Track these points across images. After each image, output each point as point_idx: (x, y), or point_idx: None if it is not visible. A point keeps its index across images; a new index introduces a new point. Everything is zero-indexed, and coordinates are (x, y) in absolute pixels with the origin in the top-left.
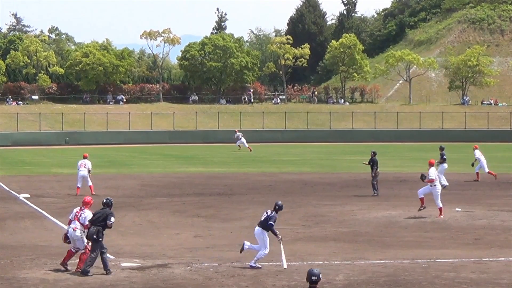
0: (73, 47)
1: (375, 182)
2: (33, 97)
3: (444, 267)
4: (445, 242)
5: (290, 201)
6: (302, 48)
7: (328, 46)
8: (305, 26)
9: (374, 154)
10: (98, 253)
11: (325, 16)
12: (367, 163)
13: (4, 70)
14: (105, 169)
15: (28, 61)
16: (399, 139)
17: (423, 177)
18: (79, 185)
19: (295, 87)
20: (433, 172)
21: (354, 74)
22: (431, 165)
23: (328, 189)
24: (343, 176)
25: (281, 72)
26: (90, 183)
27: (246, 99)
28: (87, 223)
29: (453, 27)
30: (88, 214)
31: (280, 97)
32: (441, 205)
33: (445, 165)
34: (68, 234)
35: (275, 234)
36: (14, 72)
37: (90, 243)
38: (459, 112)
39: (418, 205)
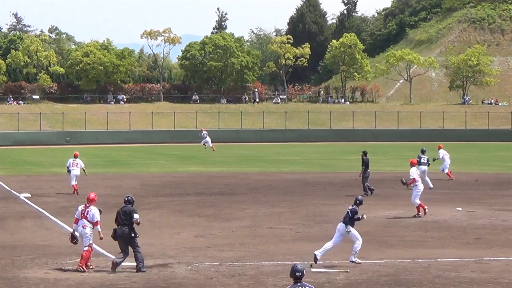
0: (73, 46)
1: (367, 183)
2: (34, 96)
3: (445, 266)
4: (446, 242)
5: (291, 201)
6: (302, 48)
7: (329, 46)
8: (305, 25)
9: (365, 154)
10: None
11: (326, 16)
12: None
13: (4, 70)
14: (106, 169)
15: (29, 60)
16: (400, 138)
17: (403, 182)
18: (73, 183)
19: (296, 87)
20: (413, 172)
21: (355, 73)
22: (412, 165)
23: (329, 188)
24: (344, 175)
25: (281, 71)
26: (73, 182)
27: (251, 99)
28: (96, 220)
29: (453, 26)
30: (95, 211)
31: (281, 96)
32: (418, 203)
33: (422, 167)
34: (76, 232)
35: (360, 219)
36: (14, 72)
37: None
38: (459, 112)
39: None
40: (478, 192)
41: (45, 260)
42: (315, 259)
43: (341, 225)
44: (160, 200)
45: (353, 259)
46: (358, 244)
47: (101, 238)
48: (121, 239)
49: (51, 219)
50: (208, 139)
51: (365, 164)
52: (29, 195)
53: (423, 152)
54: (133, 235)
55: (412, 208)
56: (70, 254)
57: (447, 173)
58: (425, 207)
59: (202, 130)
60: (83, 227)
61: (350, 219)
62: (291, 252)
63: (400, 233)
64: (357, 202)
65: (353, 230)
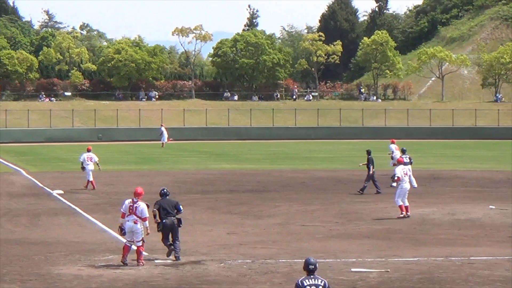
0: (104, 43)
1: (376, 181)
2: (66, 93)
3: (478, 264)
4: (479, 240)
5: (323, 198)
6: (334, 45)
7: (360, 43)
8: (337, 23)
9: (369, 153)
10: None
11: (357, 13)
12: (364, 163)
13: (37, 67)
14: (138, 166)
15: (61, 57)
16: (432, 136)
17: (392, 180)
18: (91, 179)
19: (328, 84)
20: (398, 170)
21: (387, 71)
22: (399, 163)
23: (361, 186)
24: (376, 173)
25: (313, 69)
26: (91, 178)
27: (283, 96)
28: (145, 215)
29: (485, 24)
30: (144, 206)
31: (313, 94)
32: (400, 203)
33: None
34: (124, 226)
35: None
36: (47, 69)
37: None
38: (492, 110)
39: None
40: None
41: (78, 257)
42: None
43: None
44: (193, 197)
45: None
46: None
47: (147, 234)
48: (168, 230)
49: (84, 216)
50: (164, 135)
51: (371, 162)
52: (62, 192)
53: (403, 151)
54: (180, 225)
55: (446, 206)
56: (103, 251)
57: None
58: (408, 212)
59: (161, 125)
60: (134, 223)
61: None
62: (324, 250)
63: (433, 231)
64: None
65: None
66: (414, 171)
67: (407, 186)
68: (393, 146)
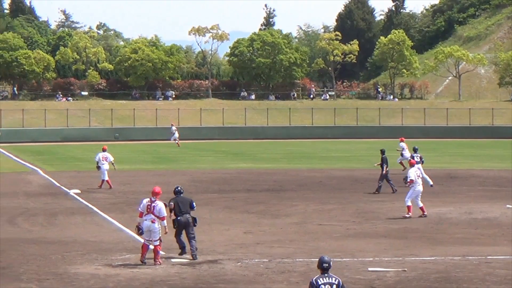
0: (121, 43)
1: (390, 180)
2: (83, 93)
3: (495, 264)
4: (497, 239)
5: (340, 198)
6: (351, 44)
7: (377, 42)
8: (353, 22)
9: (383, 153)
10: None
11: (374, 12)
12: (379, 163)
13: (53, 66)
14: (155, 165)
15: (78, 57)
16: (449, 135)
17: (404, 180)
18: (106, 178)
19: (344, 83)
20: (411, 173)
21: (403, 70)
22: (411, 165)
23: (376, 186)
24: (393, 172)
25: (330, 68)
26: (106, 177)
27: (300, 95)
28: (163, 214)
29: (502, 23)
30: (162, 206)
31: (329, 93)
32: (409, 203)
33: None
34: (142, 225)
35: None
36: (63, 68)
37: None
38: (509, 109)
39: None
40: None
41: (95, 256)
42: None
43: None
44: (209, 196)
45: None
46: None
47: (165, 233)
48: (182, 227)
49: (100, 215)
50: (176, 135)
51: (385, 162)
52: (79, 191)
53: (415, 150)
54: (196, 223)
55: (463, 205)
56: (120, 250)
57: (400, 162)
58: (425, 212)
59: (172, 125)
60: (152, 222)
61: None
62: (341, 249)
63: (450, 230)
64: None
65: None
66: (430, 170)
67: (420, 188)
68: (403, 144)
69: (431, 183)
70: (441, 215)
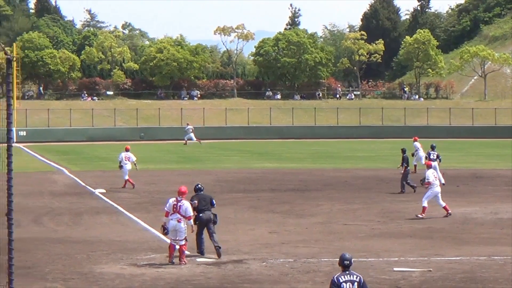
0: (146, 42)
1: (409, 180)
2: (108, 92)
3: None
4: None
5: (365, 197)
6: (376, 44)
7: (402, 42)
8: (379, 21)
9: (404, 152)
10: None
11: (399, 12)
12: (400, 165)
13: (79, 66)
14: (180, 165)
15: (103, 56)
16: (475, 135)
17: (421, 182)
18: (127, 178)
19: (370, 83)
20: (429, 174)
21: (429, 69)
22: (428, 167)
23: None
24: (418, 172)
25: (355, 68)
26: (126, 177)
27: (325, 95)
28: (189, 214)
29: None
30: (188, 205)
31: (355, 92)
32: (425, 204)
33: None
34: (167, 225)
35: None
36: (89, 68)
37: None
38: None
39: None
40: None
41: (120, 256)
42: None
43: None
44: (234, 196)
45: None
46: None
47: (192, 231)
48: (203, 224)
49: (126, 214)
50: (191, 135)
51: (406, 161)
52: (104, 191)
53: (432, 148)
54: (216, 220)
55: (488, 205)
56: (145, 250)
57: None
58: (449, 210)
59: (187, 124)
60: (178, 221)
61: None
62: (366, 249)
63: (476, 230)
64: None
65: None
66: (455, 170)
67: (438, 189)
68: (417, 144)
69: (443, 181)
70: (466, 215)
